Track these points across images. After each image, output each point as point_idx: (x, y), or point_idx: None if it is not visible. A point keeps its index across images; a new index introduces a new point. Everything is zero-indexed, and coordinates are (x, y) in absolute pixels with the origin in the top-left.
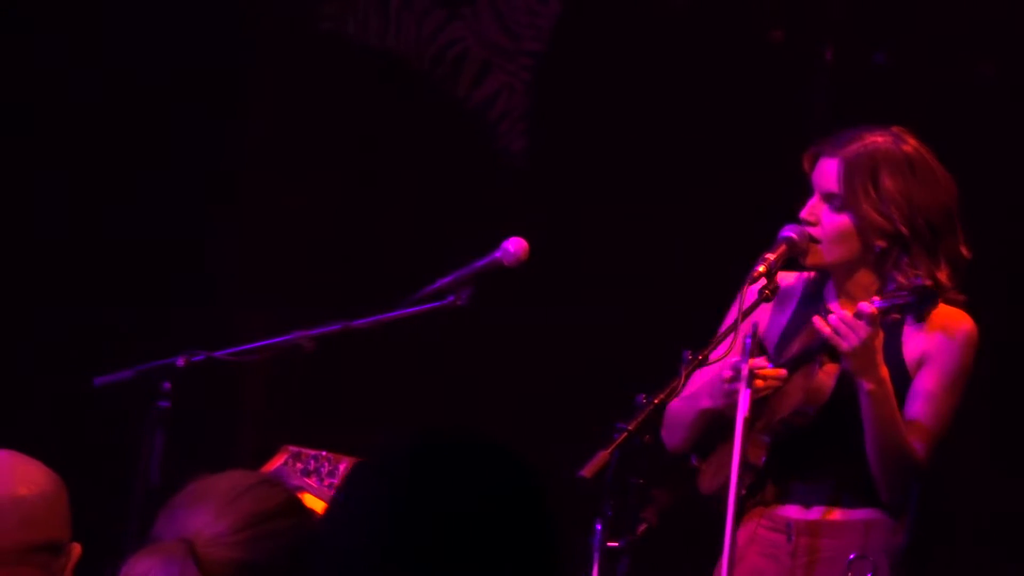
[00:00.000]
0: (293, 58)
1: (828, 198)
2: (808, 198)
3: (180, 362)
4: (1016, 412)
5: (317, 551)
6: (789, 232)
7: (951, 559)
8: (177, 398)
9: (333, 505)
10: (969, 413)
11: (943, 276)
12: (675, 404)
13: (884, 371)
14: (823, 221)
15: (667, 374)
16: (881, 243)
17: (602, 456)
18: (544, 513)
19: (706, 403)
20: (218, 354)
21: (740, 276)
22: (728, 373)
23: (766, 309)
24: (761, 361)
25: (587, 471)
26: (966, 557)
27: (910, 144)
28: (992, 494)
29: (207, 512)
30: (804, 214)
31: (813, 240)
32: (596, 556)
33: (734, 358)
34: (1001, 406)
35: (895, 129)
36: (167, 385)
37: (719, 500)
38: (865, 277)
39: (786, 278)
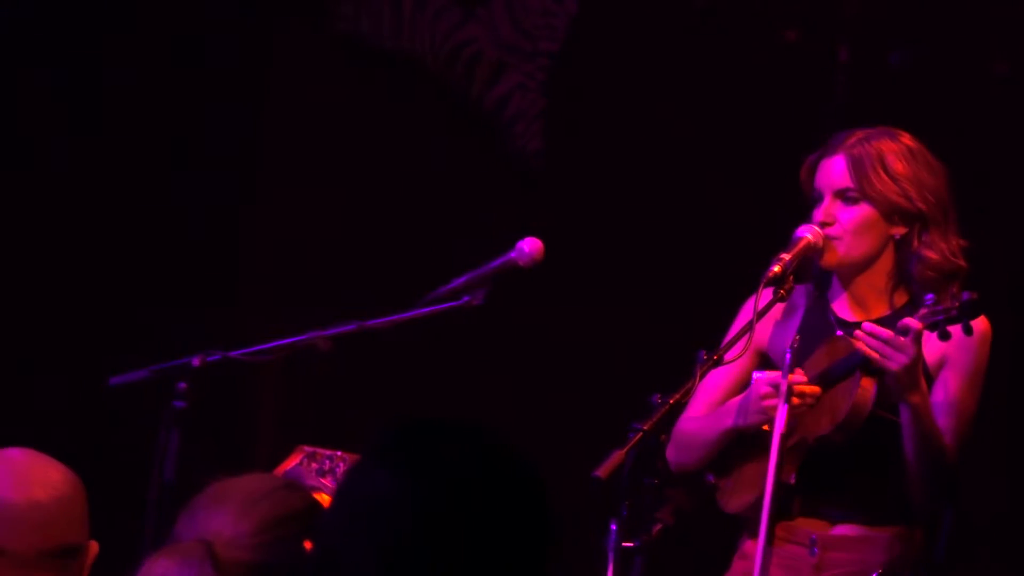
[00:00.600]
0: (309, 59)
1: (841, 194)
2: (806, 215)
3: (196, 362)
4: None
5: (320, 551)
6: (804, 232)
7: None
8: (193, 398)
9: (332, 503)
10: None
11: (960, 256)
12: (689, 425)
13: (924, 383)
14: (840, 218)
15: (682, 374)
16: (900, 229)
17: (617, 456)
18: (538, 501)
19: (732, 422)
20: (234, 354)
21: (756, 276)
22: (765, 389)
23: (770, 321)
24: (799, 376)
25: (602, 471)
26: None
27: (905, 136)
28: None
29: (227, 514)
30: (820, 217)
31: (831, 238)
32: (611, 556)
33: (768, 374)
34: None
35: (886, 128)
36: (183, 385)
37: (746, 518)
38: (878, 278)
39: (793, 296)
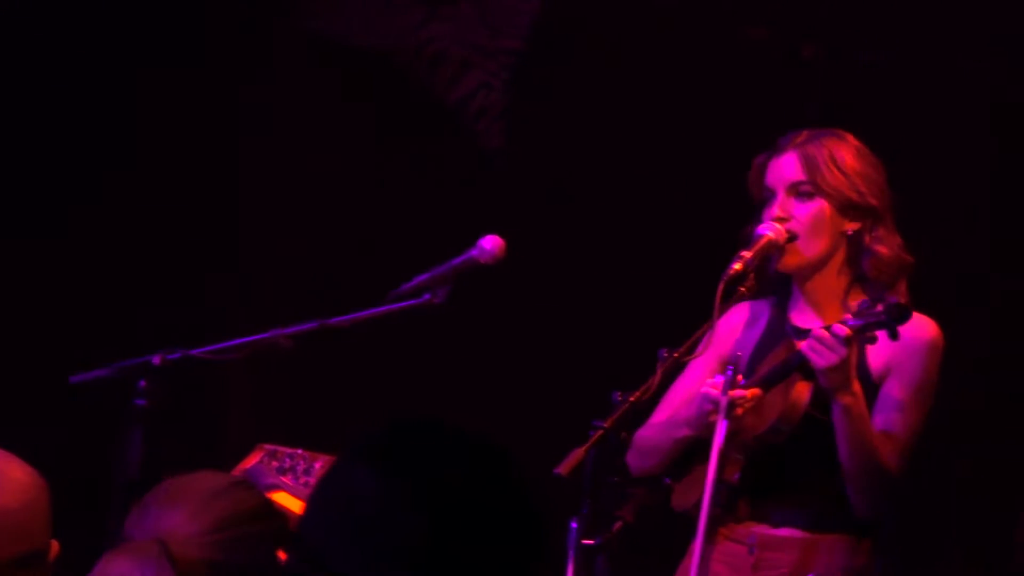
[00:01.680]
0: (277, 56)
1: (794, 189)
2: (753, 218)
3: (156, 360)
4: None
5: (297, 549)
6: (765, 230)
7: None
8: (155, 395)
9: (313, 504)
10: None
11: (906, 251)
12: (648, 433)
13: (857, 386)
14: (795, 214)
15: (643, 372)
16: (852, 224)
17: (578, 454)
18: (525, 496)
19: (685, 432)
20: (195, 352)
21: (718, 274)
22: (708, 407)
23: (735, 331)
24: (740, 393)
25: (563, 469)
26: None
27: (850, 136)
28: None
29: (181, 513)
30: (776, 212)
31: (792, 236)
32: (571, 554)
33: (714, 382)
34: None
35: (830, 128)
36: (144, 383)
37: (691, 517)
38: (831, 279)
39: (755, 304)
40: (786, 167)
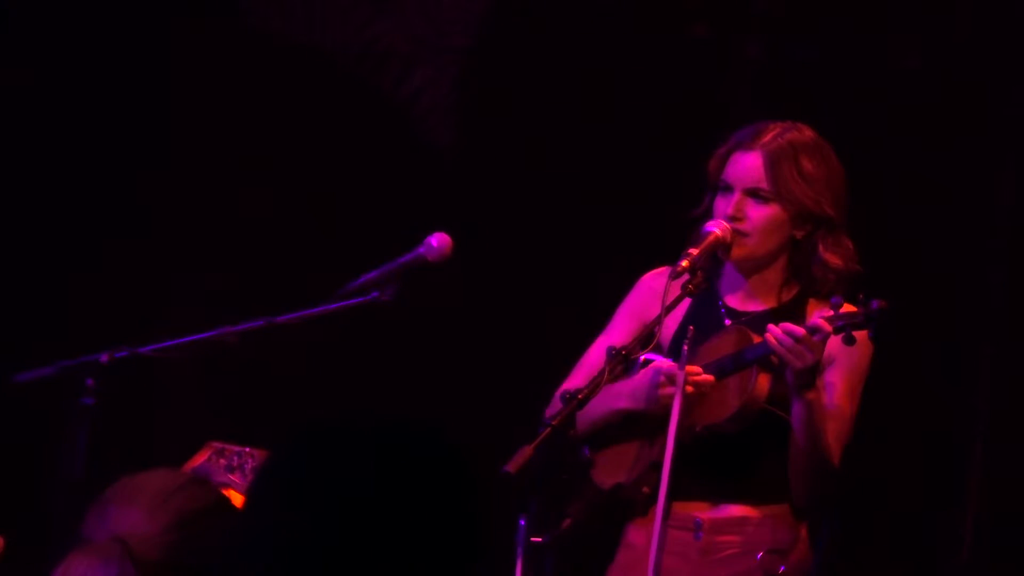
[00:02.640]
0: (219, 54)
1: (753, 192)
2: (706, 197)
3: (103, 358)
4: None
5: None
6: (713, 227)
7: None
8: (102, 394)
9: (244, 506)
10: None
11: (856, 261)
12: None
13: (819, 380)
14: (750, 215)
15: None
16: (803, 230)
17: (526, 451)
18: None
19: (624, 404)
20: (142, 350)
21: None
22: (661, 378)
23: (658, 305)
24: (696, 368)
25: (511, 466)
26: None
27: (810, 131)
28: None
29: (139, 511)
30: (730, 210)
31: (740, 234)
32: (520, 552)
33: (665, 364)
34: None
35: (794, 123)
36: (91, 381)
37: (621, 498)
38: (772, 274)
39: (678, 281)
40: (750, 168)
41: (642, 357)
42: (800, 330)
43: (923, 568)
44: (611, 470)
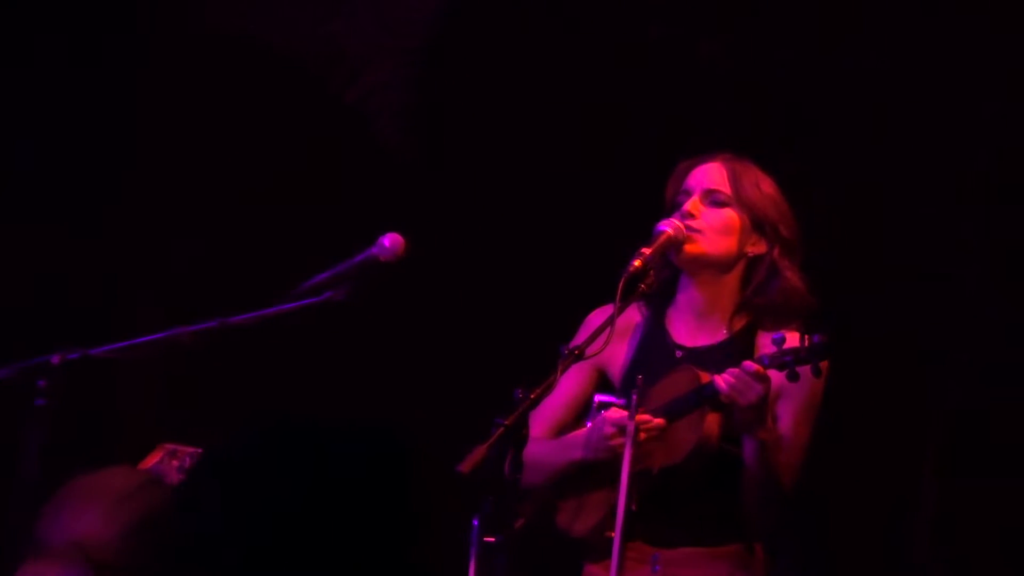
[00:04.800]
0: (178, 55)
1: (710, 194)
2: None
3: (55, 359)
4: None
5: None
6: (665, 226)
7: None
8: (54, 395)
9: (177, 504)
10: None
11: (807, 288)
12: (539, 449)
13: (770, 419)
14: (703, 216)
15: (544, 369)
16: (759, 247)
17: (480, 451)
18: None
19: (579, 455)
20: (95, 351)
21: (617, 270)
22: (611, 429)
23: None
24: (646, 417)
25: (464, 467)
26: None
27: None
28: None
29: (95, 514)
30: (686, 207)
31: (692, 230)
32: (473, 552)
33: (614, 415)
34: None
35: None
36: (43, 382)
37: (584, 542)
38: (723, 294)
39: (627, 313)
40: (710, 173)
41: (597, 398)
42: (738, 370)
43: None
44: (577, 518)
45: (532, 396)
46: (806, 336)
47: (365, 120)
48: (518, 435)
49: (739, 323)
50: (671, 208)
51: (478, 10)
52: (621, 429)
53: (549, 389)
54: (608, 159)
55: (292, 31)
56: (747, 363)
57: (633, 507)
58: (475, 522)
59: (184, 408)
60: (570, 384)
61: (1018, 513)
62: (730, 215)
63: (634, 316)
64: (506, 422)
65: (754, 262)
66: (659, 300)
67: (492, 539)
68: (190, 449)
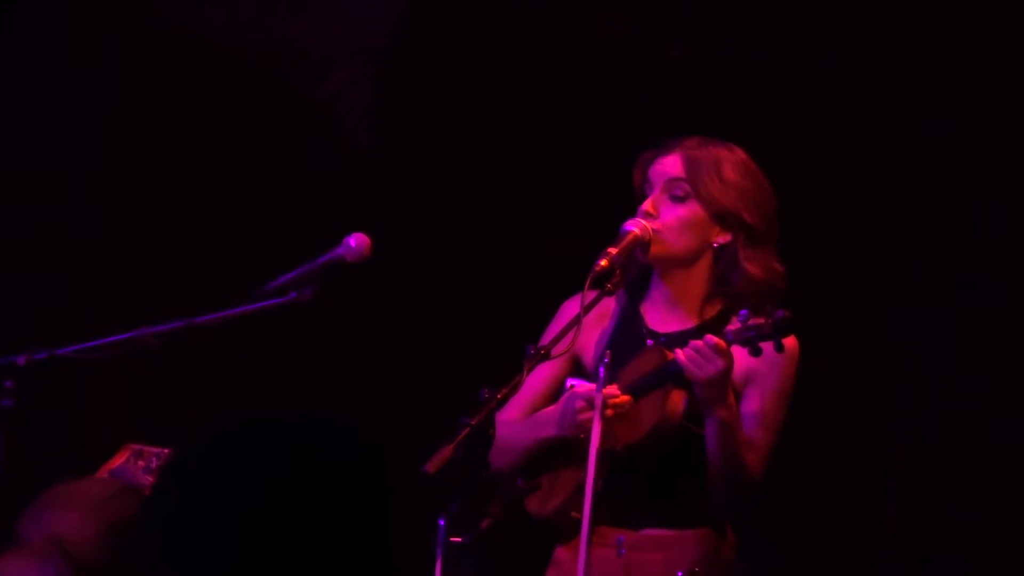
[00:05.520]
0: (143, 55)
1: (670, 188)
2: (634, 210)
3: (21, 360)
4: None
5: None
6: (631, 226)
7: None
8: (20, 396)
9: (144, 504)
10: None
11: (779, 279)
12: (509, 431)
13: (732, 398)
14: (664, 214)
15: (510, 368)
16: (723, 236)
17: (446, 451)
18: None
19: (550, 432)
20: (61, 352)
21: (584, 269)
22: (580, 403)
23: (585, 325)
24: (614, 390)
25: (430, 466)
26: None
27: (741, 151)
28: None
29: (75, 515)
30: (646, 207)
31: (655, 231)
32: (440, 552)
33: (583, 388)
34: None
35: (723, 141)
36: (9, 383)
37: (552, 524)
38: (694, 284)
39: (605, 301)
40: (668, 165)
41: (569, 383)
42: (699, 342)
43: (843, 564)
44: (547, 499)
45: (499, 396)
46: (769, 311)
47: (332, 119)
48: (484, 435)
49: (711, 310)
50: (640, 196)
51: (444, 7)
52: (590, 403)
53: (516, 389)
54: (574, 156)
55: (258, 31)
56: (708, 336)
57: (599, 486)
58: (441, 522)
59: (150, 408)
60: (545, 370)
61: (981, 503)
62: (690, 210)
63: (611, 304)
64: (472, 422)
65: (720, 252)
66: (636, 289)
67: (459, 539)
68: (156, 449)
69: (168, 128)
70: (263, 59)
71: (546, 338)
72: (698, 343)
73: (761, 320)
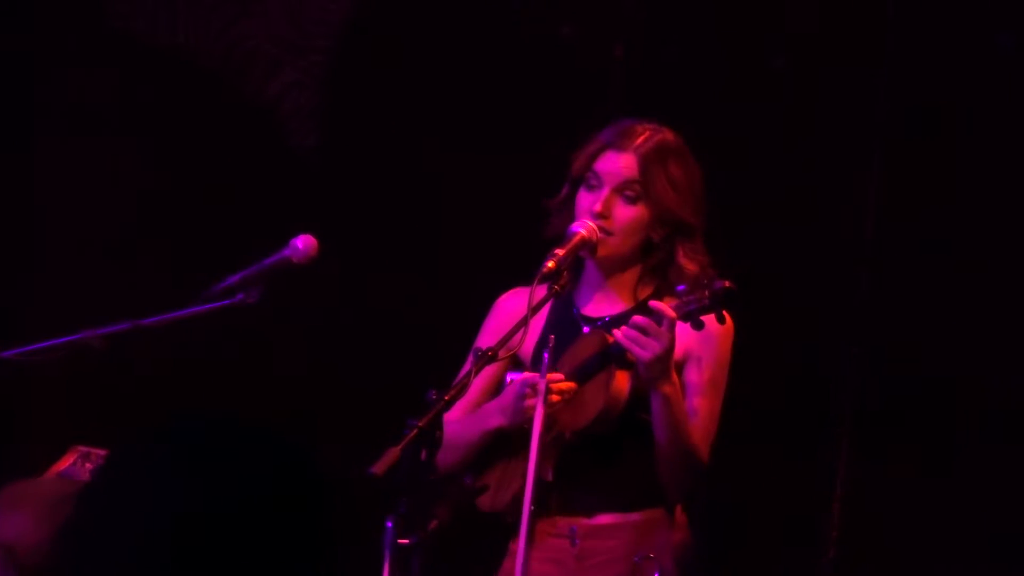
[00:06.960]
0: (81, 56)
1: (623, 189)
2: (565, 188)
3: None
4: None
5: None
6: (578, 228)
7: (742, 555)
8: None
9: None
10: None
11: (707, 265)
12: (456, 428)
13: (675, 375)
14: (616, 214)
15: (457, 370)
16: (661, 233)
17: (393, 453)
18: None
19: (496, 422)
20: (6, 354)
21: (530, 271)
22: (523, 390)
23: (515, 319)
24: (558, 376)
25: (378, 468)
26: (760, 553)
27: (672, 134)
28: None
29: (26, 519)
30: (597, 207)
31: (605, 232)
32: (387, 554)
33: (528, 376)
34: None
35: (655, 124)
36: None
37: (503, 517)
38: (629, 274)
39: (527, 291)
40: (623, 168)
41: (508, 376)
42: (642, 319)
43: (791, 568)
44: (497, 493)
45: (446, 397)
46: (707, 284)
47: (278, 121)
48: (431, 436)
49: (644, 292)
50: (576, 181)
51: (391, 9)
52: (534, 388)
53: (463, 390)
54: (521, 157)
55: (203, 32)
56: (653, 302)
57: (548, 476)
58: (389, 524)
59: (97, 410)
60: (488, 369)
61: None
62: (640, 212)
63: (541, 294)
64: (419, 423)
65: (656, 246)
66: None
67: (406, 541)
68: (103, 451)
69: (106, 129)
70: (208, 60)
71: (484, 335)
72: (639, 319)
73: (702, 293)
